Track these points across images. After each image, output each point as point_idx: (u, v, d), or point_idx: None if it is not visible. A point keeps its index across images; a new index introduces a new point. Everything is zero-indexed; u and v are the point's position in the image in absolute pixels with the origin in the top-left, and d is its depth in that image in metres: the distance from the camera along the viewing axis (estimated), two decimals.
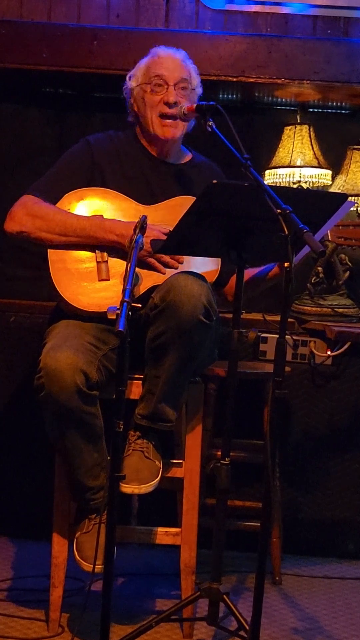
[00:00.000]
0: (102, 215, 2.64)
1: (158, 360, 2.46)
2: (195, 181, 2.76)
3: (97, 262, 2.61)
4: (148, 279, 2.60)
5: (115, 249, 2.60)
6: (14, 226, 2.63)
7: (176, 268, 2.57)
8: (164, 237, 2.53)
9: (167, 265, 2.59)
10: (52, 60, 3.49)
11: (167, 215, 2.65)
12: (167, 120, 2.68)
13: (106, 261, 2.61)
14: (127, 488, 2.46)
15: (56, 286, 2.58)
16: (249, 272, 2.69)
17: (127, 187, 2.69)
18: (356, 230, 3.16)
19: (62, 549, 2.62)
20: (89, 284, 2.60)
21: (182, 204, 2.62)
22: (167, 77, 2.68)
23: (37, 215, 2.61)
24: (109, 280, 2.60)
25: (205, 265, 2.61)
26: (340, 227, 3.18)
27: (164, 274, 2.57)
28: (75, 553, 2.51)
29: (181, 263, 2.59)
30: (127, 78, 2.78)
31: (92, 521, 2.52)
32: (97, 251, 2.62)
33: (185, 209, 2.28)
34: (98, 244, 2.60)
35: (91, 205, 2.66)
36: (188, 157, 2.85)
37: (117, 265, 2.61)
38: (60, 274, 2.60)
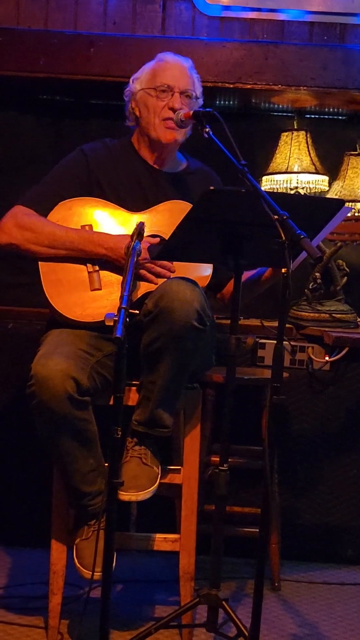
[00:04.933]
0: (91, 226, 2.64)
1: (153, 366, 2.46)
2: (192, 188, 2.76)
3: (89, 272, 2.61)
4: (142, 285, 2.59)
5: (104, 260, 2.60)
6: (4, 237, 2.63)
7: (168, 277, 2.57)
8: (152, 243, 2.54)
9: (158, 275, 2.59)
10: (48, 68, 3.49)
11: (157, 220, 2.64)
12: (170, 122, 2.69)
13: (97, 271, 2.61)
14: (124, 495, 2.46)
15: (49, 299, 2.58)
16: (243, 275, 2.69)
17: (122, 195, 2.70)
18: (348, 224, 3.15)
19: (61, 555, 2.62)
20: (82, 294, 2.59)
21: (172, 208, 2.62)
22: (173, 85, 2.69)
23: (27, 227, 2.61)
24: (101, 289, 2.60)
25: (198, 270, 2.61)
26: None
27: (156, 284, 2.57)
28: (75, 560, 2.51)
29: (173, 272, 2.59)
30: (131, 81, 2.78)
31: (92, 527, 2.52)
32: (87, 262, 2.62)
33: (175, 214, 2.28)
34: (87, 257, 2.60)
35: (80, 215, 2.65)
36: (184, 164, 2.84)
37: (109, 275, 2.61)
38: (53, 285, 2.59)
